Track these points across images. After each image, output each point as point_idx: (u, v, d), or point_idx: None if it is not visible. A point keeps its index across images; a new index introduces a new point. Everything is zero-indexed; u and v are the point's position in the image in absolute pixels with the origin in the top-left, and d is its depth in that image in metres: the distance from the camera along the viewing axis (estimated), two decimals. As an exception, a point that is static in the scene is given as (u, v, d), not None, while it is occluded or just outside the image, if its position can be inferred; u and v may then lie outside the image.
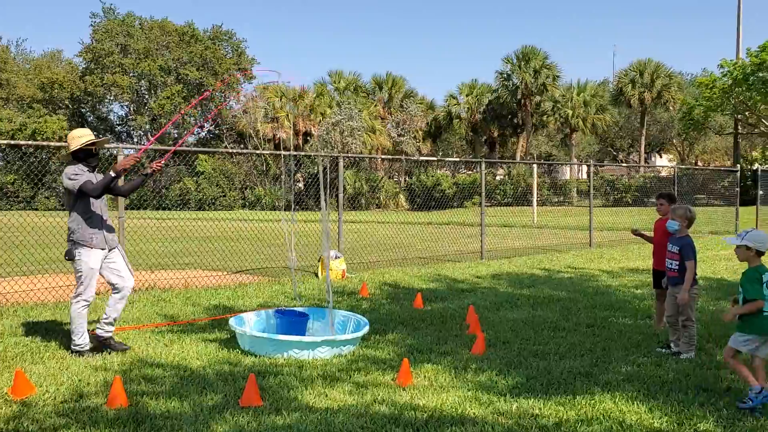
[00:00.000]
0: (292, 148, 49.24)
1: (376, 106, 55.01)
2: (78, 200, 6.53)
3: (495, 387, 5.61)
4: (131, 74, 60.26)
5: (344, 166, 13.51)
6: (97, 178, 6.66)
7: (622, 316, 8.61)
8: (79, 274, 6.54)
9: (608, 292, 10.56)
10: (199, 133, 60.92)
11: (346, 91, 55.85)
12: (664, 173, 46.43)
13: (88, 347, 6.62)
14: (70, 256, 6.56)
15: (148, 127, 60.35)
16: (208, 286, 11.10)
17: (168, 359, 6.43)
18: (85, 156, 6.64)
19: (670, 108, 55.99)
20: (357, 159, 45.22)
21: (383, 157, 30.33)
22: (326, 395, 5.39)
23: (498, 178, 51.87)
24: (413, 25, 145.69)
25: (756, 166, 35.63)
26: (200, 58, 59.74)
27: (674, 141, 65.90)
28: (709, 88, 41.58)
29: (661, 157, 71.40)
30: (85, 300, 6.57)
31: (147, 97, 61.99)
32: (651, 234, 8.08)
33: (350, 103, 49.88)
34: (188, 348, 6.86)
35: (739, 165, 29.91)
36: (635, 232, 8.17)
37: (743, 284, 5.33)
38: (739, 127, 44.91)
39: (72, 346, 6.61)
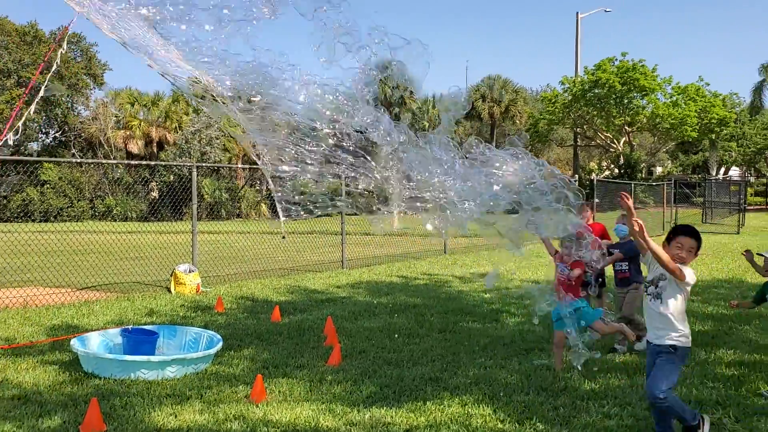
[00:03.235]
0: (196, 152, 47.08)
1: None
2: None
3: (349, 398, 5.68)
4: (-38, 76, 55.04)
5: (202, 175, 13.13)
6: None
7: (472, 320, 9.02)
8: None
9: (460, 297, 11.02)
10: (44, 140, 56.73)
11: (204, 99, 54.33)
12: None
13: None
14: None
15: (-17, 132, 55.32)
16: (49, 304, 10.37)
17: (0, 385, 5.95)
18: None
19: (517, 121, 59.45)
20: (217, 167, 44.09)
21: (242, 166, 29.82)
22: (176, 415, 5.22)
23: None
24: (280, 33, 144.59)
25: (593, 175, 38.63)
26: (45, 61, 55.67)
27: (523, 152, 69.92)
28: (552, 103, 44.66)
29: (511, 166, 75.48)
30: None
31: (-18, 101, 56.88)
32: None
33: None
34: (24, 372, 6.38)
35: (577, 175, 32.29)
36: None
37: None
38: (578, 139, 48.51)
39: None
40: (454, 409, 5.39)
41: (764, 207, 46.22)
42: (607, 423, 5.09)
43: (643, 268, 5.43)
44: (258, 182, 52.98)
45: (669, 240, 4.79)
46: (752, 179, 51.64)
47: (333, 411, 5.34)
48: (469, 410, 5.38)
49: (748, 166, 50.42)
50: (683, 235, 4.73)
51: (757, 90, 59.50)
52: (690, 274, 4.60)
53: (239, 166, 33.55)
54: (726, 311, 9.55)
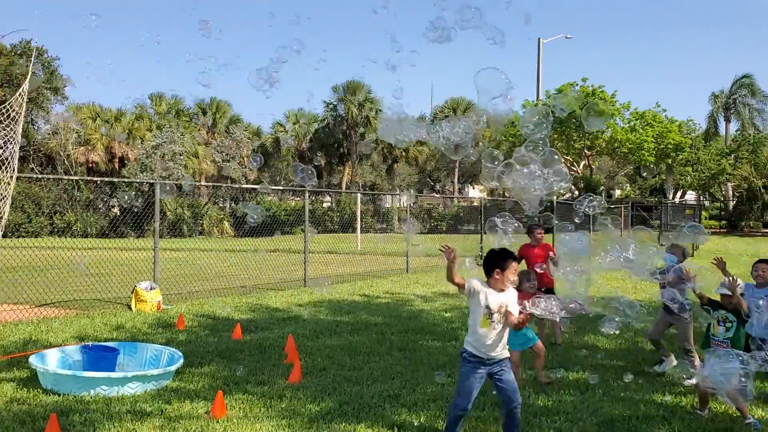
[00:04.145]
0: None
1: (199, 130, 53.71)
2: None
3: (309, 414, 5.78)
4: None
5: (164, 192, 13.09)
6: None
7: (432, 339, 9.18)
8: None
9: (421, 316, 11.18)
10: (2, 154, 55.46)
11: (167, 115, 53.96)
12: (475, 203, 49.79)
13: None
14: None
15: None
16: (7, 320, 10.22)
17: (-45, 404, 5.90)
18: None
19: (481, 143, 60.30)
20: (175, 185, 43.67)
21: (206, 183, 29.66)
22: (135, 431, 5.25)
23: (326, 205, 52.56)
24: (237, 51, 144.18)
25: (553, 197, 39.30)
26: (4, 74, 54.63)
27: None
28: (514, 125, 45.44)
29: (473, 187, 76.32)
30: None
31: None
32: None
33: (172, 126, 48.25)
34: (-20, 390, 6.33)
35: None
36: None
37: None
38: (541, 162, 49.36)
39: None
40: (411, 426, 5.52)
41: (718, 230, 47.58)
42: (558, 438, 5.28)
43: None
44: (221, 200, 52.63)
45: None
46: (707, 203, 53.13)
47: (292, 427, 5.43)
48: (425, 425, 5.52)
49: (702, 190, 51.87)
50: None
51: (712, 117, 61.52)
52: None
53: (203, 183, 33.33)
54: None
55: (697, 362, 7.00)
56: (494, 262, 5.12)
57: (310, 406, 6.00)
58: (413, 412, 5.88)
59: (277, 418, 5.65)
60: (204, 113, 56.09)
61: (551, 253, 9.14)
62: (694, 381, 6.64)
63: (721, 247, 33.92)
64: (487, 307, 4.97)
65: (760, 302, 6.15)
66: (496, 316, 4.98)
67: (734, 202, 50.16)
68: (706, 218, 49.04)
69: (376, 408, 5.99)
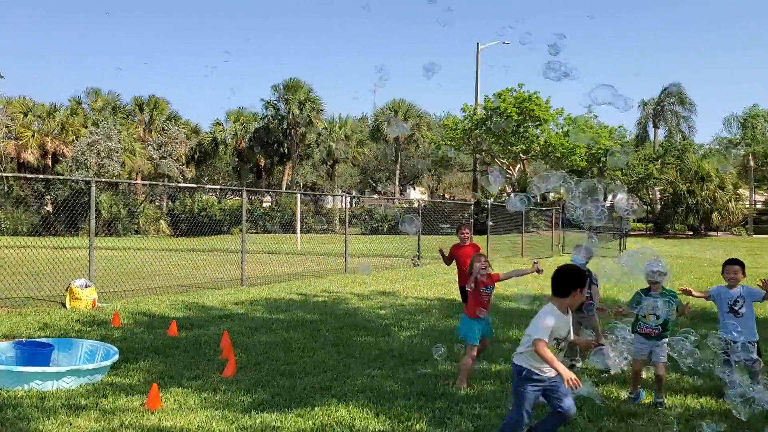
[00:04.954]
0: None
1: (136, 127, 52.66)
2: None
3: (242, 405, 6.02)
4: None
5: (100, 189, 13.01)
6: None
7: (365, 335, 9.51)
8: None
9: (356, 313, 11.51)
10: None
11: (103, 111, 52.71)
12: (415, 204, 50.57)
13: None
14: None
15: None
16: (-67, 320, 10.04)
17: None
18: None
19: (421, 146, 61.10)
20: (112, 182, 42.82)
21: (143, 182, 29.31)
22: (70, 424, 5.39)
23: (265, 205, 52.37)
24: (177, 47, 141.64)
25: (489, 200, 40.31)
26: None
27: (425, 175, 71.79)
28: (453, 129, 46.36)
29: (414, 189, 77.25)
30: None
31: None
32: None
33: (108, 122, 47.19)
34: None
35: (473, 199, 33.71)
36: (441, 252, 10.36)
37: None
38: (477, 165, 50.49)
39: None
40: (340, 414, 5.83)
41: (644, 233, 49.64)
42: (477, 423, 5.67)
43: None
44: (158, 198, 51.75)
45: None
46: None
47: (226, 417, 5.66)
48: (354, 414, 5.84)
49: (631, 194, 54.07)
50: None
51: (642, 123, 64.05)
52: None
53: (139, 182, 32.80)
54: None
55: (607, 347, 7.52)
56: (575, 281, 4.76)
57: (243, 398, 6.24)
58: (343, 402, 6.18)
59: (212, 409, 5.87)
60: (141, 110, 55.01)
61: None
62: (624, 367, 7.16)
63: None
64: (556, 338, 4.73)
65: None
66: (563, 344, 4.84)
67: (660, 205, 52.37)
68: (633, 221, 51.02)
69: (307, 399, 6.27)
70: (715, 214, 46.81)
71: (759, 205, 54.09)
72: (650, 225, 53.21)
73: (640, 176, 50.18)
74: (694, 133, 59.65)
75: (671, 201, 49.27)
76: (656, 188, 52.82)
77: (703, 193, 46.90)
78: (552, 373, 4.66)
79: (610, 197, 7.22)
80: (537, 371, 4.71)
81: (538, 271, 7.70)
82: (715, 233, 46.41)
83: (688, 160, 50.26)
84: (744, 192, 52.77)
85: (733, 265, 6.82)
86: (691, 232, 46.40)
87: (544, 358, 4.58)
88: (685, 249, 33.59)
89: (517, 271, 7.79)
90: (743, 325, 6.53)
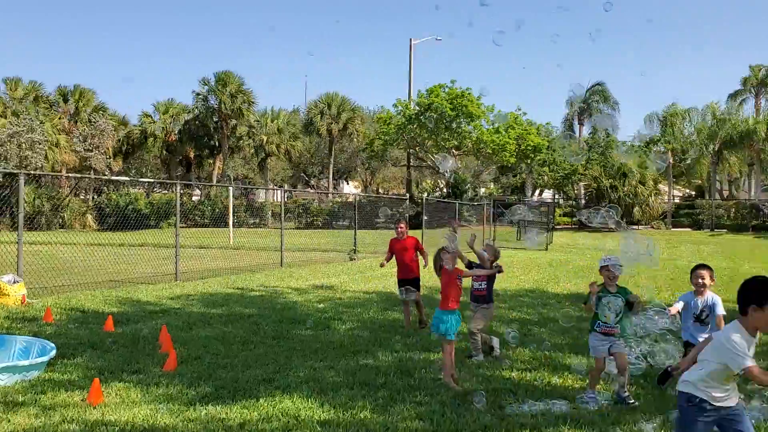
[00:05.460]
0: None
1: (60, 118, 50.70)
2: None
3: (186, 398, 6.04)
4: None
5: (24, 183, 12.57)
6: None
7: (305, 328, 9.60)
8: None
9: (294, 307, 11.57)
10: None
11: (24, 101, 50.46)
12: (350, 199, 50.64)
13: None
14: None
15: None
16: None
17: None
18: None
19: (355, 139, 61.19)
20: (38, 175, 41.17)
21: (70, 175, 28.37)
22: (9, 420, 5.30)
23: (195, 198, 51.39)
24: (103, 38, 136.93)
25: (424, 194, 40.91)
26: None
27: (359, 169, 71.98)
28: (387, 124, 46.66)
29: (348, 183, 77.34)
30: None
31: None
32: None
33: (30, 113, 45.24)
34: None
35: (408, 194, 34.10)
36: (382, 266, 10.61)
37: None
38: (411, 160, 51.01)
39: None
40: (285, 405, 5.93)
41: (570, 226, 51.30)
42: (418, 409, 5.88)
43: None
44: (83, 192, 50.05)
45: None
46: (561, 201, 57.05)
47: (171, 410, 5.68)
48: (299, 404, 5.95)
49: (557, 189, 55.65)
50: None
51: (568, 120, 66.10)
52: None
53: (64, 174, 31.64)
54: (528, 316, 10.95)
55: (479, 345, 7.87)
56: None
57: (187, 391, 6.25)
58: (287, 393, 6.28)
59: (155, 402, 5.87)
60: (66, 100, 52.95)
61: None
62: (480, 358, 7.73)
63: (571, 241, 36.78)
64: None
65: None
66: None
67: (585, 200, 54.24)
68: (560, 215, 52.68)
69: (251, 391, 6.33)
70: (636, 209, 48.81)
71: (677, 200, 56.69)
72: (575, 219, 55.05)
73: (566, 172, 51.79)
74: (617, 131, 62.03)
75: (595, 196, 51.07)
76: (581, 184, 54.62)
77: (625, 189, 48.84)
78: (732, 402, 4.15)
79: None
80: (716, 403, 4.11)
81: (500, 271, 8.00)
82: (636, 226, 48.42)
83: (611, 157, 52.20)
84: (663, 187, 55.25)
85: (700, 269, 6.60)
86: (536, 229, 48.24)
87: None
88: (608, 242, 34.95)
89: (480, 269, 7.80)
90: (711, 331, 6.33)
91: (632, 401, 6.17)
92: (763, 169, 53.31)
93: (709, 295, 6.55)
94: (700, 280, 6.54)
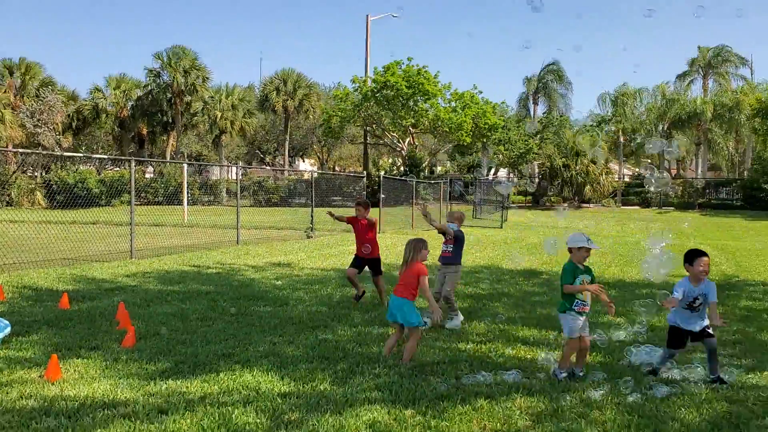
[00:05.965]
0: None
1: (5, 92, 49.01)
2: None
3: (146, 373, 6.06)
4: None
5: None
6: None
7: (263, 305, 9.65)
8: None
9: (252, 284, 11.59)
10: None
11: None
12: (306, 177, 50.40)
13: None
14: None
15: None
16: None
17: None
18: None
19: (311, 116, 60.79)
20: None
21: (20, 150, 27.56)
22: (-35, 398, 5.26)
23: (148, 176, 50.45)
24: (50, 9, 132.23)
25: (381, 172, 40.96)
26: None
27: (315, 147, 71.62)
28: (343, 101, 46.48)
29: (303, 161, 76.88)
30: None
31: None
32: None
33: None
34: None
35: (365, 171, 34.17)
36: (330, 214, 10.81)
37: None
38: (368, 137, 50.99)
39: None
40: (245, 378, 6.00)
41: (524, 204, 52.19)
42: (377, 381, 6.03)
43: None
44: (30, 168, 48.63)
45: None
46: (516, 180, 57.90)
47: (131, 385, 5.70)
48: (259, 378, 6.03)
49: (512, 167, 56.50)
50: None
51: (523, 100, 66.82)
52: None
53: (10, 149, 30.70)
54: (483, 291, 11.20)
55: (457, 308, 8.35)
56: None
57: (146, 366, 6.27)
58: (246, 367, 6.35)
59: (115, 377, 5.88)
60: (11, 74, 51.18)
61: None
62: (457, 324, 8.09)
63: (525, 219, 37.43)
64: None
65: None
66: None
67: (538, 179, 55.13)
68: (514, 194, 53.48)
69: (211, 365, 6.39)
70: (587, 187, 49.89)
71: (627, 179, 58.10)
72: (529, 197, 55.96)
73: (521, 151, 52.50)
74: (570, 110, 62.91)
75: (548, 174, 51.97)
76: (535, 163, 55.47)
77: (577, 168, 49.81)
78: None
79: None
80: None
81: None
82: (587, 205, 49.50)
83: (564, 136, 53.09)
84: (614, 166, 56.50)
85: (703, 257, 6.32)
86: (566, 204, 49.31)
87: None
88: (560, 220, 35.70)
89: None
90: (698, 317, 6.30)
91: (581, 372, 6.42)
92: (709, 148, 54.95)
93: (705, 282, 6.31)
94: (702, 267, 6.25)
